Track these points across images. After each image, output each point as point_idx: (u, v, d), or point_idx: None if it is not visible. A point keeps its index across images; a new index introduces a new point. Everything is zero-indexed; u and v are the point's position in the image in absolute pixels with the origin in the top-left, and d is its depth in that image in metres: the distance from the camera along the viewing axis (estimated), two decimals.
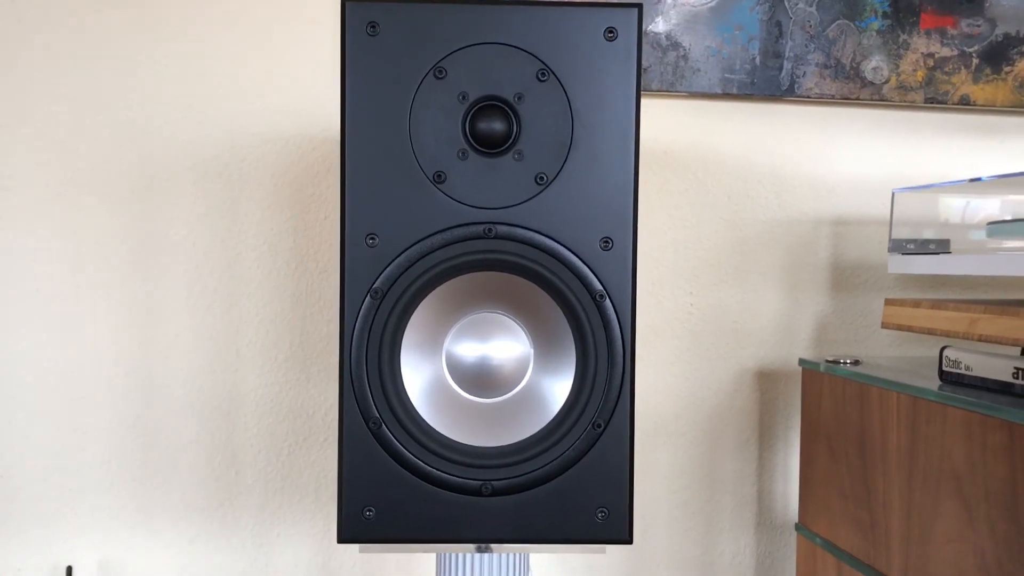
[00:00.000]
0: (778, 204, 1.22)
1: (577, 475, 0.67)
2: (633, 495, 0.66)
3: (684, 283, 1.21)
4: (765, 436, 1.24)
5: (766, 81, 1.19)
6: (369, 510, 0.66)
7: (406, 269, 0.65)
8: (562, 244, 0.66)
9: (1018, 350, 0.96)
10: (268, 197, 1.13)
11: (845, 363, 1.06)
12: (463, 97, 0.65)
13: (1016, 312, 0.87)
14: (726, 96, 1.20)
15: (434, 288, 0.67)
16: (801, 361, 1.11)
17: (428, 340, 0.68)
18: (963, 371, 0.89)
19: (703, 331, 1.22)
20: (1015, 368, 0.82)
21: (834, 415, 1.05)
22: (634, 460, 0.65)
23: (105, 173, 1.10)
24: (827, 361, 1.07)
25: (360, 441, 0.66)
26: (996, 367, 0.84)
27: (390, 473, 0.66)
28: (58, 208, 1.10)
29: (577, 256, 0.66)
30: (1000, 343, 0.89)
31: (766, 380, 1.24)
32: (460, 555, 0.73)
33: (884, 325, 1.07)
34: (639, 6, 0.65)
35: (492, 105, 0.66)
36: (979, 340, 0.91)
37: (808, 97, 1.20)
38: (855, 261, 1.25)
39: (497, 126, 0.65)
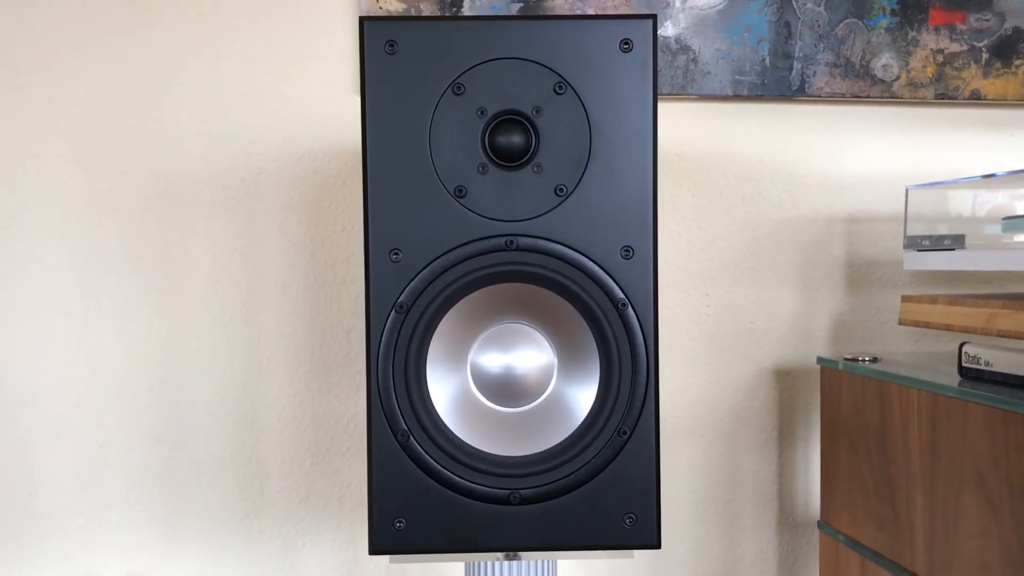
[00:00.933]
0: (791, 203, 1.23)
1: (604, 482, 0.67)
2: (660, 500, 0.67)
3: (700, 285, 1.21)
4: (784, 435, 1.24)
5: (776, 82, 1.20)
6: (399, 521, 0.67)
7: (430, 283, 0.66)
8: (583, 254, 0.66)
9: None
10: (285, 210, 1.14)
11: (864, 360, 1.06)
12: (481, 112, 0.66)
13: None
14: (737, 98, 1.20)
15: (458, 301, 0.67)
16: (820, 359, 1.11)
17: (453, 352, 0.69)
18: (983, 367, 0.89)
19: (720, 332, 1.22)
20: None
21: (854, 413, 1.05)
22: (660, 465, 0.65)
23: (123, 191, 1.12)
24: (846, 359, 1.08)
25: (389, 453, 0.67)
26: (1018, 362, 0.84)
27: (419, 484, 0.67)
28: (77, 226, 1.11)
29: (599, 265, 0.66)
30: (1020, 338, 0.89)
31: (784, 379, 1.24)
32: (489, 563, 0.74)
33: (901, 322, 1.08)
34: (654, 17, 0.66)
35: (510, 119, 0.66)
36: (998, 335, 0.92)
37: (819, 96, 1.21)
38: (869, 258, 1.25)
39: (516, 140, 0.66)
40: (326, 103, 1.14)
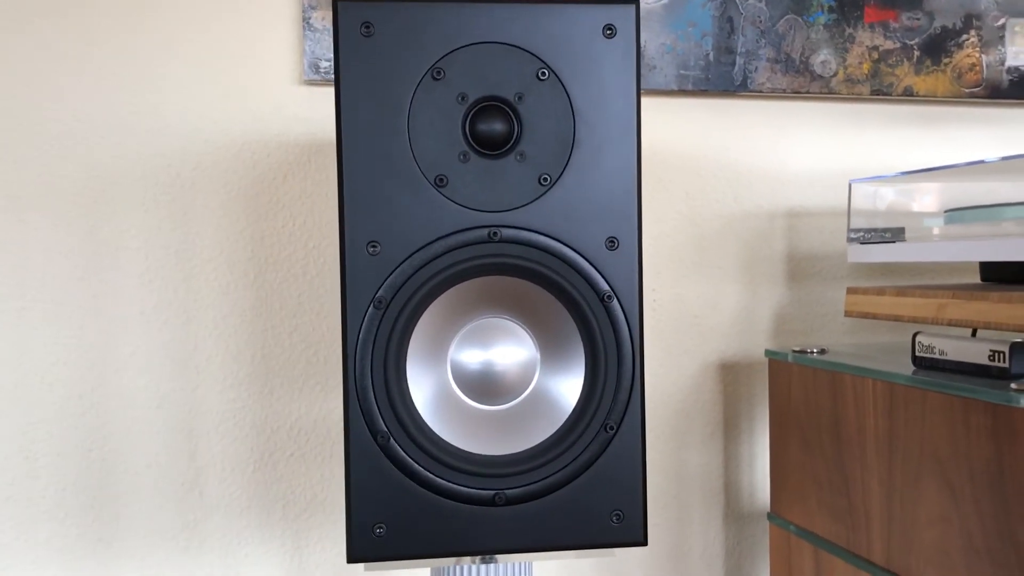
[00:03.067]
0: (734, 198, 1.23)
1: (590, 479, 0.66)
2: (646, 496, 0.65)
3: (646, 280, 1.21)
4: (729, 428, 1.25)
5: (720, 77, 1.21)
6: (380, 527, 0.64)
7: (410, 277, 0.64)
8: (568, 245, 0.65)
9: (992, 333, 0.99)
10: (223, 206, 1.09)
11: (812, 352, 1.07)
12: (462, 98, 0.64)
13: (984, 296, 0.89)
14: (682, 92, 1.20)
15: (439, 295, 0.65)
16: (768, 352, 1.12)
17: (432, 348, 0.66)
18: (937, 356, 0.91)
19: (666, 327, 1.22)
20: (991, 351, 0.84)
21: (805, 404, 1.06)
22: (646, 461, 0.64)
23: (48, 186, 1.05)
24: (794, 351, 1.09)
25: (368, 456, 0.64)
26: (972, 351, 0.86)
27: (399, 487, 0.64)
28: None
29: (583, 257, 0.65)
30: (970, 326, 0.91)
31: (728, 373, 1.25)
32: (460, 567, 0.72)
33: (848, 313, 1.10)
34: (636, 2, 0.65)
35: (492, 106, 0.64)
36: (948, 324, 0.94)
37: (760, 92, 1.22)
38: (809, 252, 1.27)
39: (498, 127, 0.64)
40: (267, 95, 1.09)
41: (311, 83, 1.10)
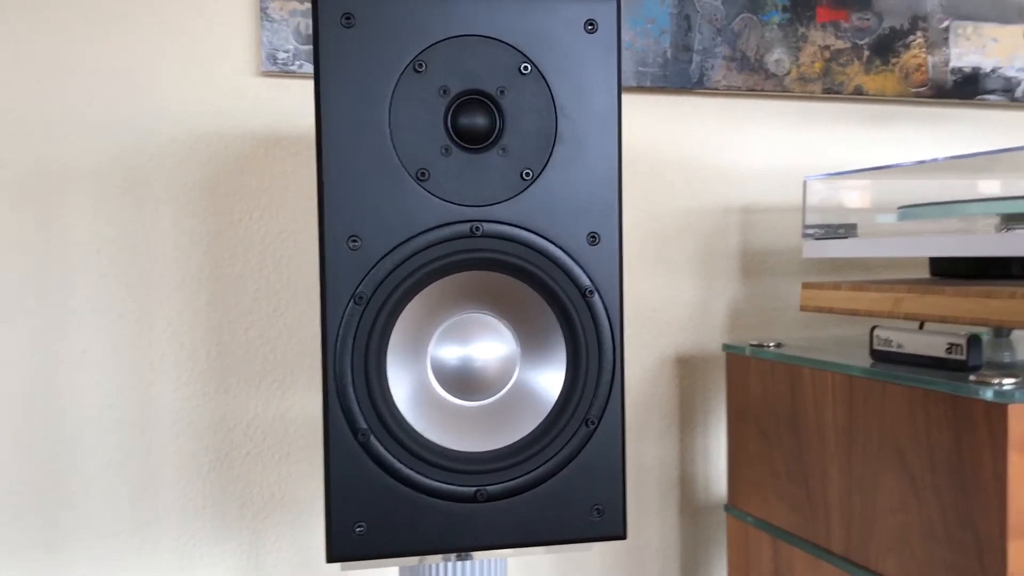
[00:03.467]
0: (691, 194, 1.25)
1: (571, 474, 0.66)
2: (626, 490, 0.65)
3: None
4: (685, 421, 1.27)
5: (677, 74, 1.22)
6: (359, 526, 0.63)
7: (391, 272, 0.63)
8: (550, 241, 0.64)
9: (962, 329, 1.02)
10: (178, 199, 1.06)
11: (769, 346, 1.09)
12: (444, 91, 0.63)
13: (940, 291, 0.92)
14: (640, 89, 1.21)
15: (420, 290, 0.64)
16: (725, 346, 1.14)
17: (411, 344, 0.65)
18: (895, 349, 0.93)
19: (624, 321, 1.23)
20: (949, 344, 0.86)
21: (763, 397, 1.08)
22: (625, 455, 0.64)
23: None
24: (752, 345, 1.10)
25: (348, 454, 0.63)
26: (930, 344, 0.88)
27: (380, 485, 0.63)
28: None
29: (565, 252, 0.65)
30: (926, 320, 0.94)
31: (684, 366, 1.26)
32: (433, 565, 0.71)
33: (803, 308, 1.12)
34: None
35: (475, 99, 0.64)
36: (904, 318, 0.96)
37: (717, 89, 1.23)
38: (762, 247, 1.29)
39: (481, 121, 0.63)
40: (224, 86, 1.07)
41: (269, 74, 1.07)
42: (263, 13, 1.06)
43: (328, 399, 0.63)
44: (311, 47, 1.05)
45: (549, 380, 0.66)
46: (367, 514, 0.63)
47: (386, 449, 0.63)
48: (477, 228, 0.63)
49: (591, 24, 0.64)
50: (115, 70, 1.03)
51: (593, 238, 0.65)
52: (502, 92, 0.64)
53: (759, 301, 1.29)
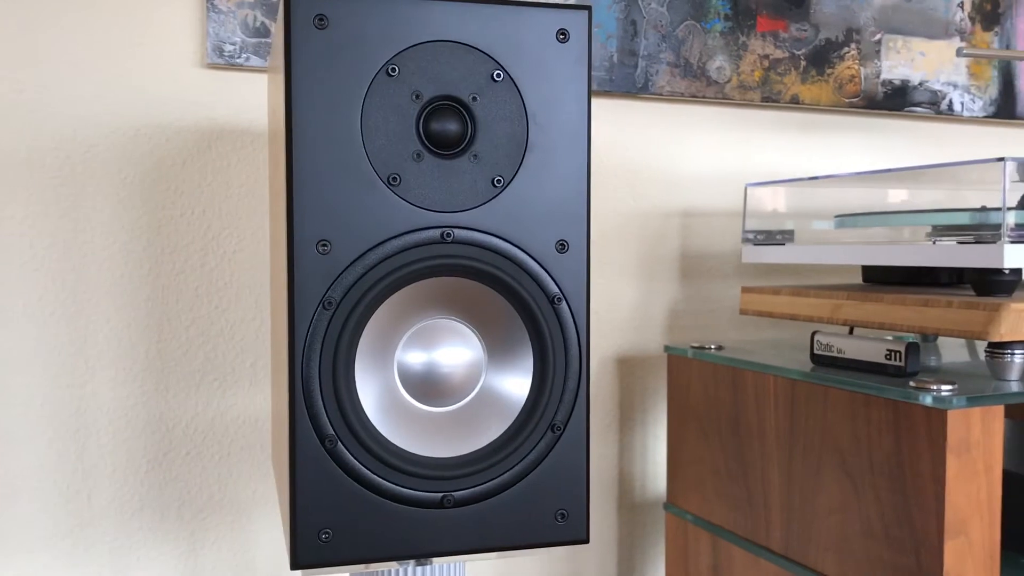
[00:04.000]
0: (633, 197, 1.27)
1: (536, 479, 0.66)
2: (589, 494, 0.66)
3: None
4: (625, 421, 1.28)
5: (623, 78, 1.23)
6: (325, 532, 0.63)
7: (361, 276, 0.62)
8: (520, 248, 0.65)
9: (887, 334, 1.06)
10: (116, 192, 1.03)
11: (710, 348, 1.12)
12: (416, 96, 0.63)
13: (879, 298, 0.95)
14: None
15: (389, 296, 0.64)
16: (667, 348, 1.16)
17: (378, 350, 0.65)
18: (836, 354, 0.96)
19: None
20: (888, 350, 0.90)
21: (704, 398, 1.10)
22: (589, 459, 0.65)
23: None
24: (693, 347, 1.13)
25: (314, 461, 0.62)
26: (869, 349, 0.92)
27: (347, 492, 0.63)
28: None
29: (535, 260, 0.65)
30: (864, 326, 0.97)
31: (624, 367, 1.28)
32: (393, 570, 0.71)
33: (743, 311, 1.14)
34: (589, 8, 0.65)
35: (447, 105, 0.64)
36: (843, 324, 0.99)
37: (660, 95, 1.25)
38: (700, 250, 1.31)
39: (453, 127, 0.63)
40: (167, 77, 1.04)
41: (214, 67, 1.05)
42: (209, 4, 1.03)
43: (295, 405, 0.62)
44: (260, 40, 1.03)
45: (515, 386, 0.67)
46: (333, 521, 0.63)
47: (353, 456, 0.63)
48: (448, 234, 0.63)
49: (563, 33, 0.65)
50: (52, 56, 1.00)
51: (562, 246, 0.66)
52: (474, 99, 0.64)
53: (697, 303, 1.32)
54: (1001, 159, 0.84)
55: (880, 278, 1.13)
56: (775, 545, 0.99)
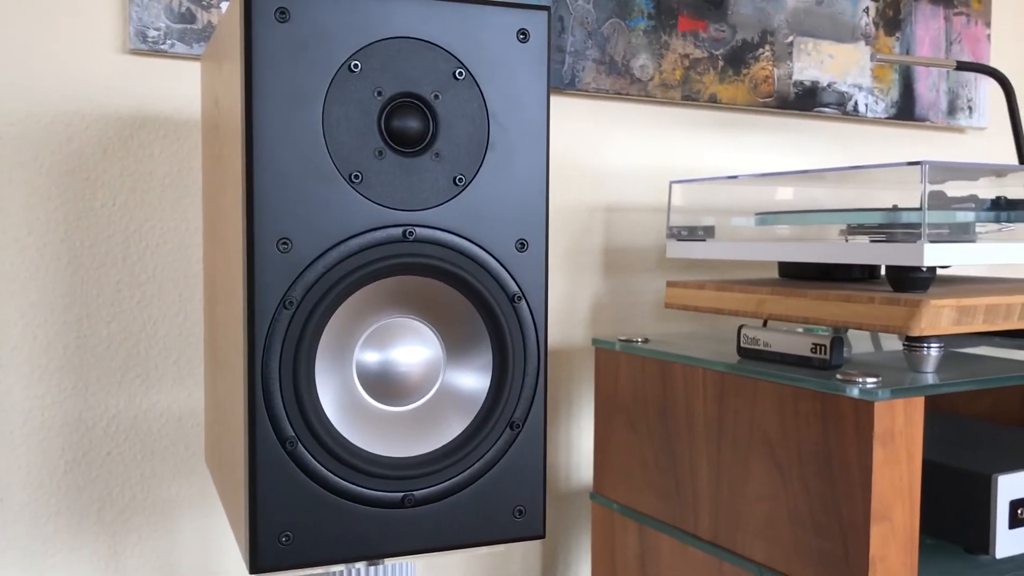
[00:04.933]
0: (560, 193, 1.28)
1: (495, 476, 0.67)
2: (546, 490, 0.67)
3: None
4: (551, 412, 1.30)
5: (551, 75, 1.24)
6: (285, 535, 0.62)
7: (322, 275, 0.61)
8: (481, 247, 0.65)
9: (798, 326, 1.10)
10: (31, 181, 0.98)
11: (637, 341, 1.14)
12: (379, 93, 0.62)
13: (803, 293, 0.99)
14: None
15: (350, 295, 0.63)
16: (595, 341, 1.18)
17: (337, 349, 0.64)
18: (762, 347, 0.99)
19: None
20: (814, 344, 0.93)
21: (632, 390, 1.13)
22: (547, 456, 0.66)
23: None
24: (621, 340, 1.15)
25: (274, 463, 0.61)
26: (795, 343, 0.95)
27: (307, 494, 0.62)
28: None
29: (495, 258, 0.65)
30: (788, 321, 1.01)
31: (550, 359, 1.29)
32: (338, 572, 0.71)
33: (668, 305, 1.17)
34: (548, 8, 0.66)
35: (409, 103, 0.63)
36: (769, 319, 1.03)
37: (586, 91, 1.27)
38: (624, 245, 1.34)
39: (415, 124, 0.63)
40: (86, 62, 0.99)
41: (137, 53, 1.01)
42: None
43: (254, 406, 0.61)
44: (185, 26, 1.00)
45: (474, 384, 0.67)
46: (293, 523, 0.62)
47: (314, 457, 0.62)
48: (410, 233, 0.63)
49: (523, 33, 0.65)
50: None
51: (522, 244, 0.66)
52: (436, 97, 0.63)
53: (619, 296, 1.34)
54: (920, 163, 0.88)
55: (796, 273, 1.17)
56: (703, 533, 1.02)
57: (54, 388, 1.00)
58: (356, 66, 0.61)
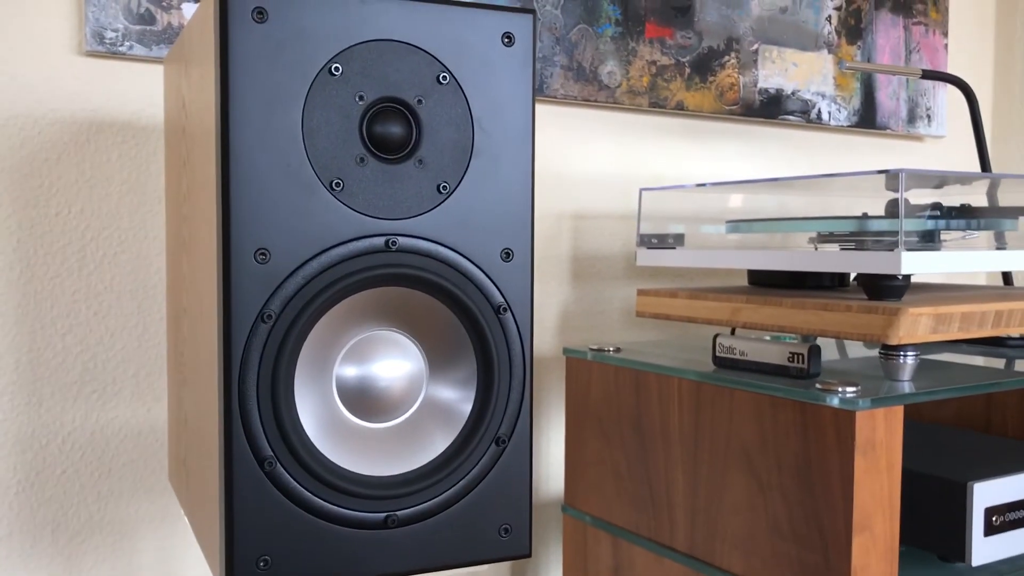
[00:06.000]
0: None
1: (480, 494, 0.65)
2: (532, 507, 0.65)
3: None
4: None
5: None
6: (263, 560, 0.59)
7: (302, 288, 0.59)
8: (466, 257, 0.63)
9: (766, 334, 1.10)
10: None
11: (609, 350, 1.13)
12: (360, 98, 0.60)
13: (778, 302, 0.98)
14: None
15: (330, 308, 0.60)
16: (566, 350, 1.16)
17: (316, 365, 0.62)
18: (738, 356, 0.99)
19: None
20: (791, 353, 0.93)
21: (605, 400, 1.11)
22: (532, 472, 0.64)
23: None
24: (592, 349, 1.13)
25: (252, 484, 0.58)
26: (772, 352, 0.94)
27: (286, 515, 0.59)
28: None
29: (480, 269, 0.63)
30: (763, 329, 1.00)
31: None
32: None
33: (639, 314, 1.16)
34: (533, 12, 0.64)
35: (391, 108, 0.61)
36: (743, 327, 1.02)
37: (555, 97, 1.25)
38: (591, 252, 1.33)
39: (398, 130, 0.61)
40: (40, 64, 0.95)
41: (94, 55, 0.97)
42: None
43: (230, 424, 0.58)
44: (144, 28, 0.96)
45: (458, 398, 0.65)
46: (272, 547, 0.59)
47: (293, 477, 0.59)
48: (393, 242, 0.61)
49: (508, 37, 0.63)
50: None
51: (507, 254, 0.64)
52: (420, 101, 0.61)
53: (587, 304, 1.33)
54: (899, 170, 0.88)
55: (766, 281, 1.17)
56: (680, 545, 1.01)
57: (6, 404, 0.96)
58: (337, 69, 0.59)
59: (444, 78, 0.62)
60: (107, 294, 1.00)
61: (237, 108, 0.57)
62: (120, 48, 0.97)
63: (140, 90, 0.99)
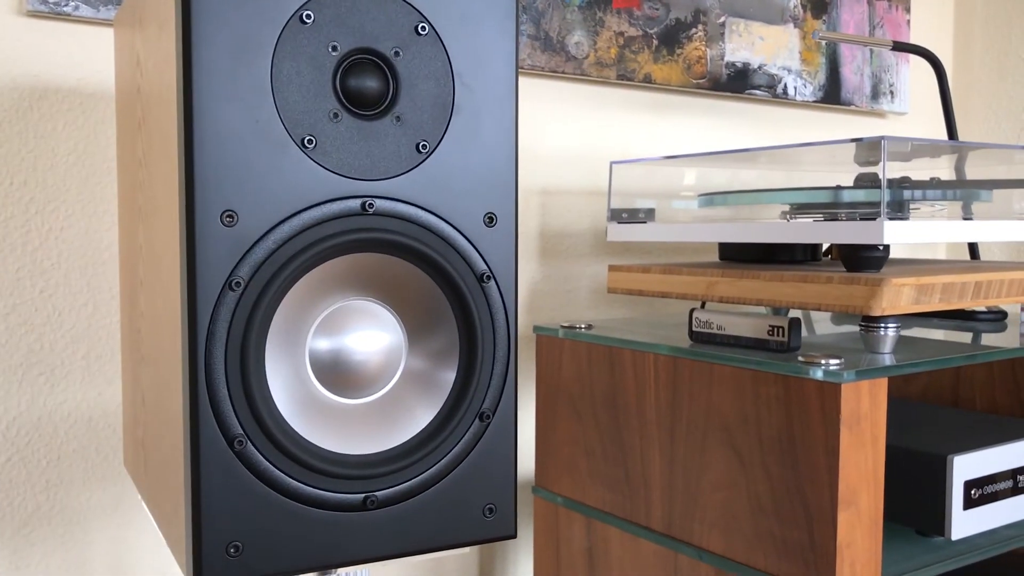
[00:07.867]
0: None
1: (464, 472, 0.61)
2: (517, 486, 0.62)
3: None
4: None
5: None
6: (234, 546, 0.55)
7: (272, 253, 0.55)
8: (447, 221, 0.59)
9: (765, 309, 1.08)
10: None
11: (580, 328, 1.10)
12: (333, 48, 0.56)
13: (756, 275, 0.96)
14: None
15: (303, 275, 0.56)
16: (536, 328, 1.13)
17: (288, 336, 0.57)
18: (715, 331, 0.96)
19: None
20: (771, 326, 0.90)
21: (577, 378, 1.08)
22: (517, 449, 0.61)
23: None
24: (564, 327, 1.10)
25: (220, 465, 0.54)
26: (751, 326, 0.92)
27: (258, 498, 0.55)
28: None
29: (462, 234, 0.60)
30: (740, 303, 0.98)
31: None
32: None
33: (611, 290, 1.13)
34: None
35: (367, 60, 0.57)
36: (719, 302, 1.00)
37: (522, 68, 1.22)
38: (559, 230, 1.29)
39: (373, 84, 0.57)
40: None
41: (36, 15, 0.91)
42: None
43: (196, 401, 0.53)
44: None
45: (438, 372, 0.61)
46: (243, 532, 0.55)
47: (265, 457, 0.55)
48: (370, 205, 0.57)
49: None
50: None
51: (490, 219, 0.60)
52: (397, 53, 0.57)
53: (555, 282, 1.30)
54: (881, 138, 0.86)
55: (738, 256, 1.14)
56: (656, 524, 0.98)
57: None
58: (308, 17, 0.55)
59: (423, 28, 0.58)
60: (54, 271, 0.94)
61: (200, 59, 0.52)
62: (64, 8, 0.91)
63: (87, 54, 0.94)
